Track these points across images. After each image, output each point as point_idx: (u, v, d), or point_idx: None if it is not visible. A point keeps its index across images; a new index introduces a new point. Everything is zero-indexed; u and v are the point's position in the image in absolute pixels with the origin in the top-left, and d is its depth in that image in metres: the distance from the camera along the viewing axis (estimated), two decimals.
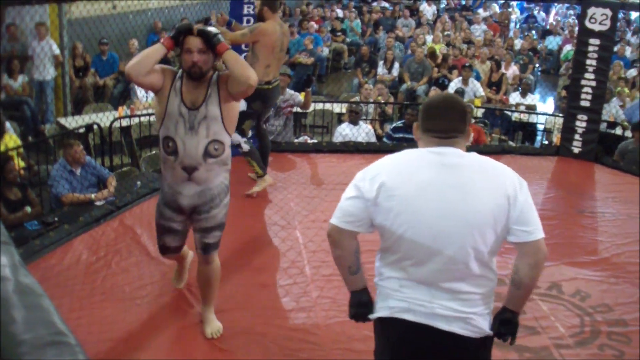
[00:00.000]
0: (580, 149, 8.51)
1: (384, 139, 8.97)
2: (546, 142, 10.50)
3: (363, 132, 8.57)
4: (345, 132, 8.54)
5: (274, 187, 6.62)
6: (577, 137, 8.53)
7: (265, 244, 5.57)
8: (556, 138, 9.02)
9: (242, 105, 5.18)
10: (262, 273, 5.05)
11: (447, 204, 2.50)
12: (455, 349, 2.61)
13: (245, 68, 3.70)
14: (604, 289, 5.19)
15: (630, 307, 4.95)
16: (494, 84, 12.35)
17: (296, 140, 8.17)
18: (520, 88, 12.09)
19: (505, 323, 2.68)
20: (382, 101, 10.63)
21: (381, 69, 12.78)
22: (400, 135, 8.70)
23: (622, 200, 7.29)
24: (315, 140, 8.69)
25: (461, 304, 2.56)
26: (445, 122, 2.62)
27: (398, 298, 2.62)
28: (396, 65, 12.83)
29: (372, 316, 2.75)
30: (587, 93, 8.45)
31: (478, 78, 11.94)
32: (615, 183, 7.91)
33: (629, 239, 6.18)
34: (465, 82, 11.33)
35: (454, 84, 11.45)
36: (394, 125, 9.10)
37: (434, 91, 11.24)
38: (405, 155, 2.65)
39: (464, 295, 2.57)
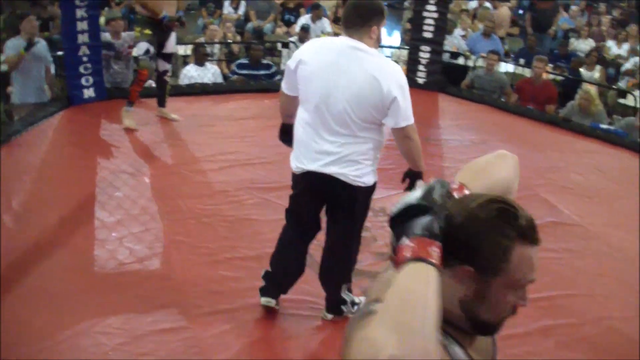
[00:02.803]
0: (425, 80, 8.73)
1: (230, 75, 8.86)
2: None
3: (209, 73, 8.41)
4: (191, 73, 8.35)
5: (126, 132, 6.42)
6: (421, 68, 8.73)
7: (118, 189, 5.34)
8: (402, 70, 9.14)
9: None
10: (113, 222, 4.84)
11: (336, 80, 3.25)
12: (336, 189, 3.43)
13: None
14: None
15: None
16: (340, 20, 12.35)
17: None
18: None
19: (411, 176, 3.59)
20: (228, 41, 10.44)
21: (227, 8, 12.53)
22: (245, 71, 8.62)
23: (466, 128, 7.56)
24: None
25: (343, 158, 3.36)
26: (350, 17, 3.34)
27: (303, 150, 3.45)
28: (242, 3, 12.59)
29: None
30: (429, 25, 8.64)
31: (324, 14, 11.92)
32: (459, 111, 8.20)
33: None
34: (314, 19, 11.28)
35: (302, 20, 11.39)
36: (238, 62, 8.99)
37: (280, 28, 11.15)
38: (328, 40, 3.62)
39: (346, 151, 3.35)
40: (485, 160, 1.67)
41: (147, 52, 6.23)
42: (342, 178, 3.39)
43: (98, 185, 5.31)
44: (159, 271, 4.26)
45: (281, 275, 3.81)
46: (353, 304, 3.84)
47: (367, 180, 3.45)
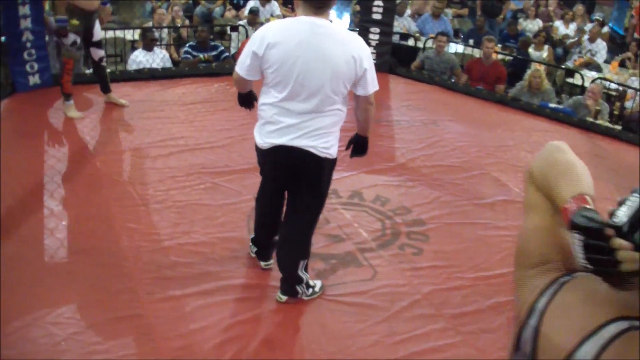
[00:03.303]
0: (375, 61, 8.69)
1: (183, 56, 8.76)
2: None
3: (158, 58, 8.29)
4: (139, 59, 8.22)
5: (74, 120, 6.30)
6: (371, 50, 8.69)
7: (67, 177, 5.23)
8: None
9: None
10: (62, 210, 4.74)
11: (312, 59, 3.35)
12: (307, 162, 3.56)
13: None
14: (402, 193, 5.40)
15: (426, 207, 5.19)
16: (289, 2, 12.29)
17: (88, 72, 7.72)
18: None
19: (358, 141, 3.85)
20: (177, 25, 10.31)
21: None
22: (196, 53, 8.55)
23: (416, 108, 7.60)
24: (109, 70, 8.27)
25: (314, 132, 3.49)
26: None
27: (271, 128, 3.53)
28: None
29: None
30: (378, 7, 8.63)
31: None
32: (409, 92, 8.23)
33: (422, 143, 6.47)
34: (263, 3, 11.18)
35: (251, 3, 11.28)
36: (189, 44, 8.89)
37: (230, 12, 11.04)
38: (289, 21, 3.50)
39: (316, 125, 3.49)
40: (555, 160, 1.53)
41: (74, 43, 6.13)
42: (312, 150, 3.52)
43: (46, 173, 5.19)
44: (110, 259, 4.17)
45: (264, 242, 4.10)
46: (308, 285, 3.88)
47: (334, 151, 3.61)
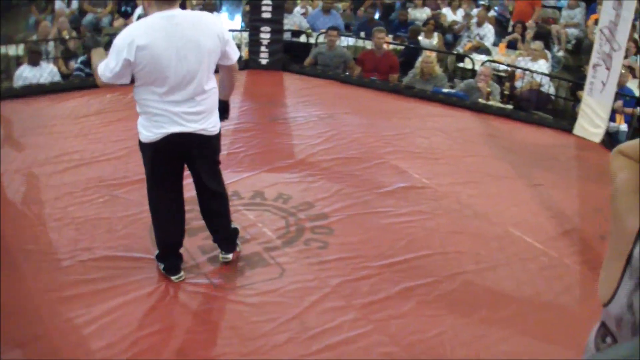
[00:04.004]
0: (267, 60, 8.75)
1: (75, 74, 8.51)
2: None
3: (45, 72, 8.06)
4: (25, 74, 7.97)
5: None
6: (263, 49, 8.75)
7: None
8: (245, 52, 9.14)
9: None
10: None
11: (183, 50, 3.52)
12: (198, 142, 3.78)
13: None
14: (304, 188, 5.42)
15: (328, 200, 5.23)
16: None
17: None
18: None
19: (224, 107, 4.09)
20: (64, 37, 10.03)
21: (59, 3, 12.01)
22: (88, 70, 8.34)
23: (312, 103, 7.65)
24: None
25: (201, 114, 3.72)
26: None
27: (161, 119, 3.65)
28: None
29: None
30: (267, 5, 8.65)
31: None
32: (303, 88, 8.27)
33: (320, 138, 6.51)
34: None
35: (139, 11, 11.10)
36: (80, 59, 8.64)
37: (117, 21, 10.83)
38: (150, 21, 3.55)
39: (201, 108, 3.71)
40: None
41: None
42: (204, 133, 3.77)
43: None
44: (8, 284, 4.01)
45: (172, 244, 4.12)
46: (237, 233, 4.33)
47: (219, 127, 3.91)
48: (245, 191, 5.25)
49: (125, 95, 7.49)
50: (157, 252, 4.15)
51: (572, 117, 7.88)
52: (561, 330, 3.91)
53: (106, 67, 3.60)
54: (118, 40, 3.53)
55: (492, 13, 12.68)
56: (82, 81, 7.92)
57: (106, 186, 5.24)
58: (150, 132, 3.71)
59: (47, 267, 4.18)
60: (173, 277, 4.09)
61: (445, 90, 8.41)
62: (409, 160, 6.15)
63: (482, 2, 13.30)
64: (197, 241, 4.46)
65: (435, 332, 3.80)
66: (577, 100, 8.22)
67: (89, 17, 11.69)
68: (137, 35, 3.49)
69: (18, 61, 8.99)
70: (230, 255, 4.25)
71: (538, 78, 8.75)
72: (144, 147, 3.80)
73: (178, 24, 3.54)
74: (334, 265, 4.38)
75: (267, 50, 8.66)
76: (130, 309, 3.81)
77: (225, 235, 4.25)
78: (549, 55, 10.13)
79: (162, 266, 4.11)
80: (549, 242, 4.93)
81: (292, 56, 9.39)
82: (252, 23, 8.88)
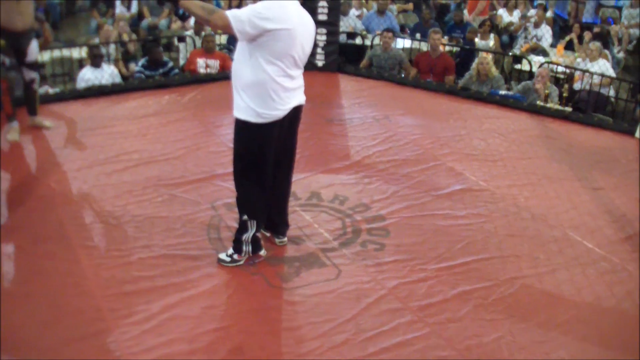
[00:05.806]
0: (323, 62, 8.78)
1: (136, 77, 8.66)
2: None
3: (107, 74, 8.21)
4: (87, 76, 8.12)
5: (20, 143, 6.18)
6: (319, 50, 8.78)
7: (21, 198, 5.11)
8: None
9: None
10: (18, 227, 4.66)
11: (302, 35, 3.93)
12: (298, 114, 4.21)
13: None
14: (360, 190, 5.42)
15: (384, 202, 5.21)
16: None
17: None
18: None
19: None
20: (124, 40, 10.20)
21: (119, 8, 12.23)
22: (148, 73, 8.46)
23: (367, 105, 7.64)
24: (58, 90, 8.17)
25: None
26: None
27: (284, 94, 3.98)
28: (134, 1, 12.32)
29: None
30: (323, 7, 8.67)
31: (218, 5, 11.78)
32: (359, 89, 8.26)
33: (376, 139, 6.50)
34: None
35: None
36: (141, 63, 8.77)
37: (175, 23, 10.97)
38: (282, 4, 3.85)
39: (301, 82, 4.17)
40: None
41: (2, 64, 6.02)
42: (303, 103, 4.20)
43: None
44: (69, 279, 4.11)
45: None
46: None
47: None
48: (301, 192, 5.27)
49: (183, 96, 7.61)
50: (246, 234, 4.22)
51: (632, 120, 7.71)
52: (622, 337, 3.83)
53: (240, 19, 3.76)
54: (261, 8, 3.79)
55: (549, 14, 12.51)
56: (142, 82, 8.05)
57: (164, 185, 5.31)
58: (273, 110, 3.95)
59: (107, 264, 4.25)
60: (261, 252, 4.36)
61: (502, 92, 8.31)
62: (466, 162, 6.10)
63: (539, 2, 13.11)
64: None
65: (493, 336, 3.76)
66: (639, 103, 8.05)
67: (147, 20, 11.86)
68: (278, 14, 3.81)
69: (81, 63, 9.18)
70: (285, 239, 4.56)
71: (597, 80, 8.59)
72: (258, 128, 3.98)
73: (300, 9, 3.99)
74: (390, 267, 4.37)
75: (322, 52, 8.69)
76: (188, 307, 3.85)
77: (285, 218, 4.52)
78: (609, 55, 9.93)
79: (249, 248, 4.27)
80: (609, 246, 4.83)
81: (347, 58, 9.40)
82: None
